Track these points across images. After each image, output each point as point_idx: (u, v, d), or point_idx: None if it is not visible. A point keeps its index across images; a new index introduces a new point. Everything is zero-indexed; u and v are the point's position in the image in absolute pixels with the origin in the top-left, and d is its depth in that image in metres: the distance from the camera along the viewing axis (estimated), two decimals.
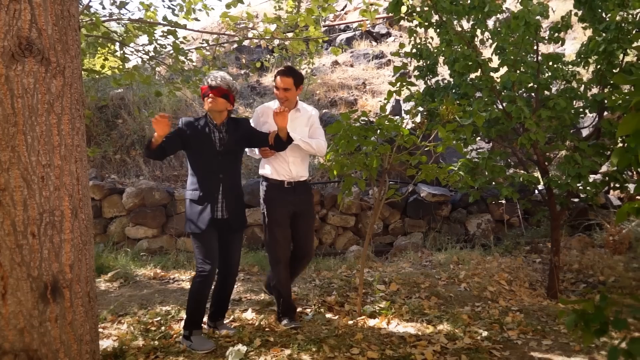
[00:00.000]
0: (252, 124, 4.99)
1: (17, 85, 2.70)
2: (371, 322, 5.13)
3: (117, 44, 7.59)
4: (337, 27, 16.99)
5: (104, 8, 10.99)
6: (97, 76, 8.56)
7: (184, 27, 7.49)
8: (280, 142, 4.64)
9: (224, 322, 4.91)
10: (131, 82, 7.36)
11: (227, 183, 4.53)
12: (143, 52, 7.61)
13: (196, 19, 7.73)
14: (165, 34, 7.50)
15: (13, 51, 2.68)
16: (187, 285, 6.29)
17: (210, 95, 4.42)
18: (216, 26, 16.95)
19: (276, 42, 7.94)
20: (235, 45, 9.21)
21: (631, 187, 6.77)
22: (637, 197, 7.75)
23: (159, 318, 5.09)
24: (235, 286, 6.04)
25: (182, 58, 7.62)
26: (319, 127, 5.11)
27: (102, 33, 7.23)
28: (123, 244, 8.23)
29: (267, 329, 4.83)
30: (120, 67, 7.74)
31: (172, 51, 7.55)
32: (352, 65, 14.64)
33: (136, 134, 10.04)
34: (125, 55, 7.62)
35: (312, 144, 4.92)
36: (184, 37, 8.81)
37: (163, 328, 4.86)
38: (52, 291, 2.85)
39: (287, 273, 5.03)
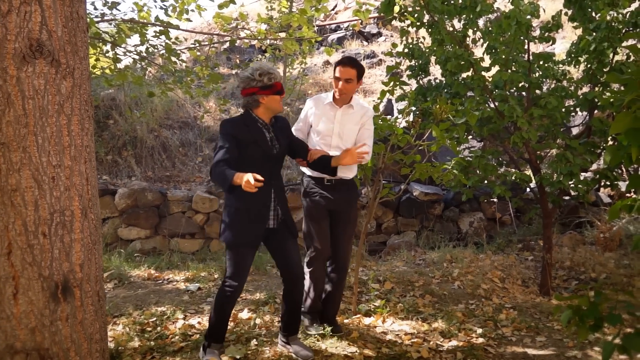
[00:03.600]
0: (302, 115, 4.79)
1: (28, 86, 2.72)
2: (367, 321, 5.17)
3: (109, 44, 7.58)
4: (327, 26, 17.00)
5: (95, 9, 10.91)
6: None
7: (177, 27, 7.49)
8: (327, 167, 4.29)
9: (298, 337, 4.50)
10: (123, 82, 7.34)
11: (278, 189, 4.13)
12: (135, 52, 7.60)
13: (188, 20, 7.72)
14: (157, 34, 7.49)
15: (24, 53, 2.70)
16: (182, 286, 6.29)
17: (283, 95, 4.04)
18: (206, 26, 16.91)
19: (268, 41, 7.96)
20: (227, 45, 9.21)
21: (621, 184, 6.86)
22: (628, 194, 7.86)
23: (154, 318, 5.08)
24: None
25: (173, 59, 7.62)
26: (368, 129, 4.69)
27: (94, 34, 7.22)
28: (116, 244, 8.21)
29: (262, 329, 4.85)
30: (112, 67, 7.73)
31: (163, 51, 7.54)
32: None
33: (128, 135, 10.01)
34: (117, 56, 7.60)
35: (355, 167, 4.62)
36: (175, 37, 8.80)
37: (159, 328, 4.86)
38: (63, 290, 2.89)
39: (323, 270, 4.71)
